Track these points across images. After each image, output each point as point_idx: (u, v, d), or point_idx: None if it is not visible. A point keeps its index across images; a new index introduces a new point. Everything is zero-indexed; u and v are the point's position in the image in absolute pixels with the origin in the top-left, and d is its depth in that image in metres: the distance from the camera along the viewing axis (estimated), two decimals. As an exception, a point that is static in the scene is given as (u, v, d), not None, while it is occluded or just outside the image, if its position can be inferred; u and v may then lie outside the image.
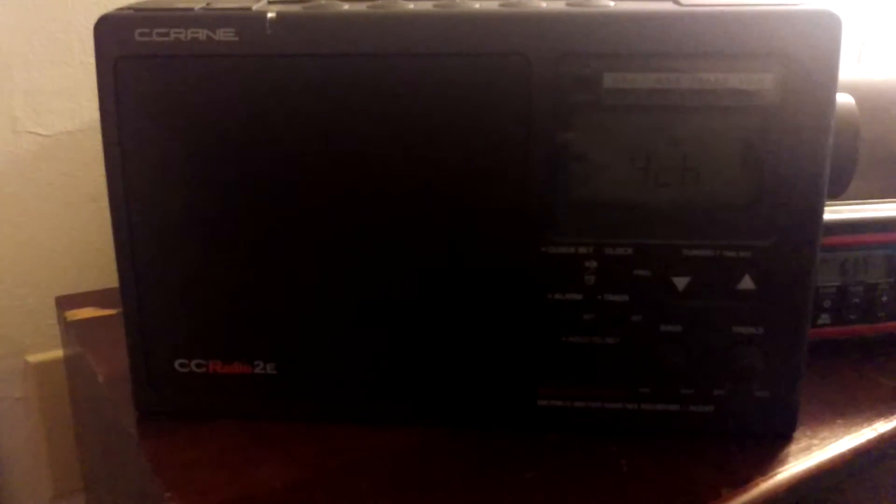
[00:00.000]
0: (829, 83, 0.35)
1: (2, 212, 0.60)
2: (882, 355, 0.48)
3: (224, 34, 0.36)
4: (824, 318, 0.47)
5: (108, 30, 0.36)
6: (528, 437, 0.40)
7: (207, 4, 0.37)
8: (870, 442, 0.40)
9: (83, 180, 0.61)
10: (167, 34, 0.36)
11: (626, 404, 0.40)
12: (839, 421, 0.41)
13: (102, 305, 0.56)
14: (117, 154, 0.38)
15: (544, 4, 0.36)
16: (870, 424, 0.41)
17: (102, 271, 0.62)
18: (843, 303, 0.47)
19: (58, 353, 0.61)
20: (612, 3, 0.36)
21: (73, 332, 0.53)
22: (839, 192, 0.39)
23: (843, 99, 0.38)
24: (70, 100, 0.60)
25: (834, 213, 0.47)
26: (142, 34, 0.36)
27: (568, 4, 0.36)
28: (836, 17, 0.34)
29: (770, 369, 0.38)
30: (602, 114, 0.36)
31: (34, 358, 0.62)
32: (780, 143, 0.36)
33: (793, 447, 0.39)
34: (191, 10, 0.36)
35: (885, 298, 0.47)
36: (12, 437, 0.63)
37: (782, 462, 0.38)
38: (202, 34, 0.36)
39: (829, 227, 0.46)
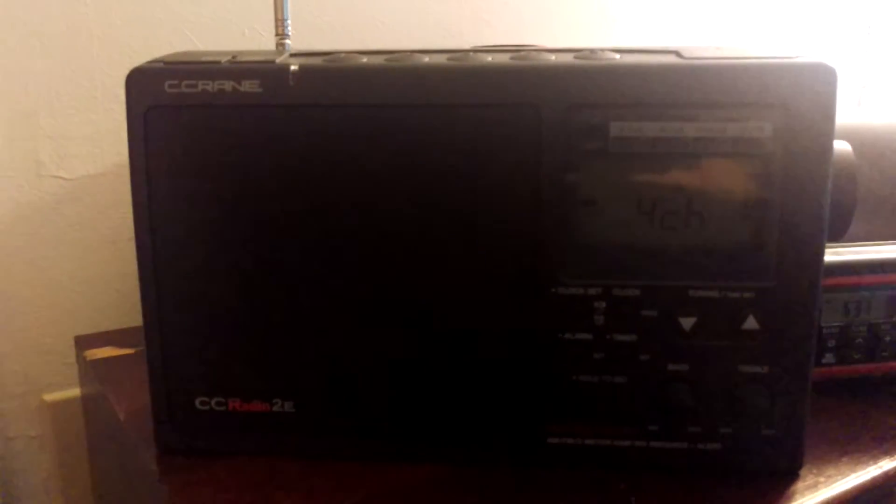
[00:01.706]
0: (826, 131, 0.36)
1: (24, 252, 0.61)
2: (886, 394, 0.48)
3: (249, 86, 0.38)
4: (829, 358, 0.48)
5: (139, 81, 0.38)
6: (538, 473, 0.40)
7: (233, 58, 0.39)
8: (875, 479, 0.41)
9: (103, 223, 0.63)
10: (195, 86, 0.38)
11: (634, 442, 0.40)
12: (844, 459, 0.42)
13: (121, 345, 0.57)
14: (145, 199, 0.39)
15: (553, 58, 0.38)
16: (875, 462, 0.42)
17: (120, 311, 0.63)
18: (846, 342, 0.48)
19: (74, 391, 0.62)
20: (617, 56, 0.38)
21: (92, 370, 0.54)
22: (839, 235, 0.41)
23: (841, 146, 0.40)
24: (92, 145, 0.62)
25: (837, 255, 0.48)
26: (171, 86, 0.38)
27: (576, 57, 0.38)
28: (831, 69, 0.36)
29: (776, 407, 0.39)
30: (609, 161, 0.38)
31: (51, 396, 0.63)
32: (781, 188, 0.37)
33: (799, 484, 0.40)
34: (217, 62, 0.38)
35: (887, 338, 0.48)
36: (28, 475, 0.64)
37: (789, 499, 0.38)
38: (228, 86, 0.38)
39: (832, 269, 0.47)
